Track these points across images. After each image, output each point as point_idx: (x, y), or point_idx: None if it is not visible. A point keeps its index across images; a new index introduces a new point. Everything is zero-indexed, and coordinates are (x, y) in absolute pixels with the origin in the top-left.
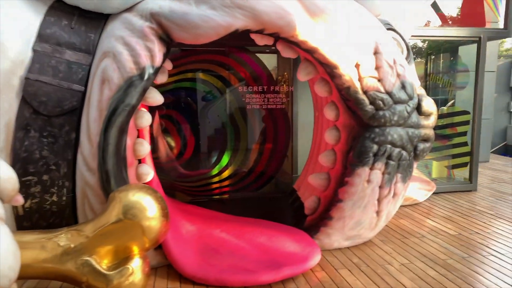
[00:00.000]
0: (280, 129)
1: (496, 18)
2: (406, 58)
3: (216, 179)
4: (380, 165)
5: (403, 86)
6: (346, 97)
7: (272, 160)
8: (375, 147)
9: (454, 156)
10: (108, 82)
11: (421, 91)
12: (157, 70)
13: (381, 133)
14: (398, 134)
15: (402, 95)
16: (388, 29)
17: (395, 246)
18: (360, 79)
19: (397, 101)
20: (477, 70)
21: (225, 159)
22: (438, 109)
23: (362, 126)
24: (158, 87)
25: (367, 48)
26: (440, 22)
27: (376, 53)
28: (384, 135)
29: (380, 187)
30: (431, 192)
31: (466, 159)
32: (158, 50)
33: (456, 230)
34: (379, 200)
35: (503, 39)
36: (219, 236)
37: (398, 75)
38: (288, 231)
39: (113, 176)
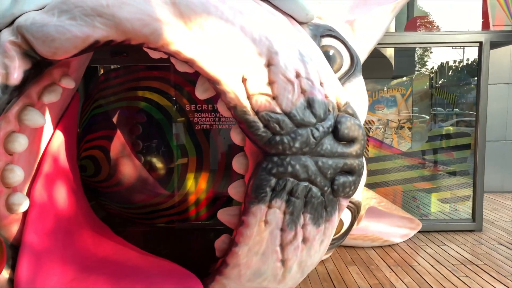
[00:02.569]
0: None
1: (509, 21)
2: (349, 70)
3: (168, 205)
4: (279, 203)
5: (309, 105)
6: (236, 118)
7: (226, 185)
8: (273, 180)
9: (453, 187)
10: None
11: (349, 108)
12: (15, 89)
13: (279, 163)
14: (302, 165)
15: (307, 116)
16: (326, 35)
17: None
18: (249, 97)
19: (299, 124)
20: (479, 82)
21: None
22: (443, 129)
23: (263, 154)
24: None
25: (256, 58)
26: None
27: (269, 65)
28: (283, 165)
29: (282, 230)
30: (415, 232)
31: (468, 191)
32: (17, 67)
33: None
34: (283, 246)
35: None
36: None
37: (303, 92)
38: (178, 278)
39: None
